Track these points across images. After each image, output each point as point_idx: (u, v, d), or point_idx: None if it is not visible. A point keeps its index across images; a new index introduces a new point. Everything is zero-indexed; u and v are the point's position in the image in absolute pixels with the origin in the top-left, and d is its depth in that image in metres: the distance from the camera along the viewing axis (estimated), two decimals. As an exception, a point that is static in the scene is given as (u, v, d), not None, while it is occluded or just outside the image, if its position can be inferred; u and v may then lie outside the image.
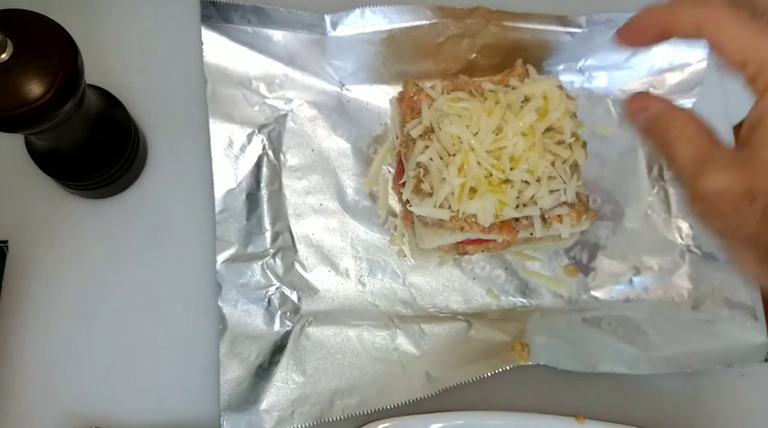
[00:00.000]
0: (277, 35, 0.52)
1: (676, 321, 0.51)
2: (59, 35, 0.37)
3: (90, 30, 0.50)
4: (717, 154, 0.29)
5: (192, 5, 0.53)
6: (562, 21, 0.52)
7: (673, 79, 0.56)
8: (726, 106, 0.56)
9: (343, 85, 0.54)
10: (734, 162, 0.28)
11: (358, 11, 0.51)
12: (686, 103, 0.56)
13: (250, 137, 0.52)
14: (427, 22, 0.51)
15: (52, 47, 0.37)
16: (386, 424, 0.47)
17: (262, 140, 0.52)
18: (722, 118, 0.57)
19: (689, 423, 0.51)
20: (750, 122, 0.29)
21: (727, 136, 0.57)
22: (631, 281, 0.52)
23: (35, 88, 0.36)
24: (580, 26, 0.52)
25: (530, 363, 0.47)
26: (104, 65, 0.51)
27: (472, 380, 0.47)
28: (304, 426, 0.46)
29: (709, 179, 0.28)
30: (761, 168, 0.27)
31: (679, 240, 0.53)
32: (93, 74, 0.43)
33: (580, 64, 0.55)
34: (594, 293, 0.52)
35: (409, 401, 0.47)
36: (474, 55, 0.53)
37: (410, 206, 0.47)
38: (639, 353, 0.49)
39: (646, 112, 0.32)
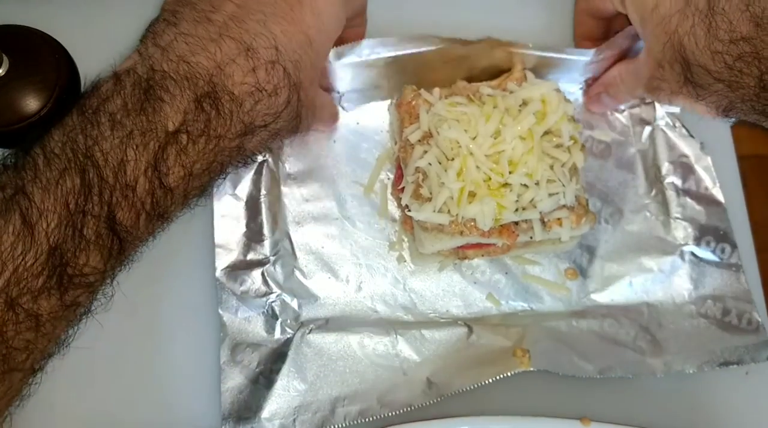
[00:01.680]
0: None
1: (678, 322, 0.51)
2: (55, 50, 0.37)
3: (88, 41, 0.50)
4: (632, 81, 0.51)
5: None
6: (571, 51, 0.52)
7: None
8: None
9: (342, 94, 0.54)
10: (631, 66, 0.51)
11: (364, 43, 0.49)
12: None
13: (249, 144, 0.52)
14: (434, 47, 0.50)
15: (48, 62, 0.37)
16: (388, 431, 0.47)
17: (262, 147, 0.52)
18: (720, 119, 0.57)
19: (694, 422, 0.50)
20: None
21: (726, 135, 0.57)
22: (631, 283, 0.52)
23: (32, 103, 0.36)
24: (588, 55, 0.52)
25: (531, 369, 0.47)
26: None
27: (474, 386, 0.47)
28: (305, 434, 0.46)
29: (648, 85, 0.49)
30: (647, 59, 0.48)
31: (679, 242, 0.53)
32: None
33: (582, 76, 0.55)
34: (594, 296, 0.52)
35: (411, 407, 0.46)
36: (476, 72, 0.53)
37: (409, 211, 0.47)
38: (641, 355, 0.49)
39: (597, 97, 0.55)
